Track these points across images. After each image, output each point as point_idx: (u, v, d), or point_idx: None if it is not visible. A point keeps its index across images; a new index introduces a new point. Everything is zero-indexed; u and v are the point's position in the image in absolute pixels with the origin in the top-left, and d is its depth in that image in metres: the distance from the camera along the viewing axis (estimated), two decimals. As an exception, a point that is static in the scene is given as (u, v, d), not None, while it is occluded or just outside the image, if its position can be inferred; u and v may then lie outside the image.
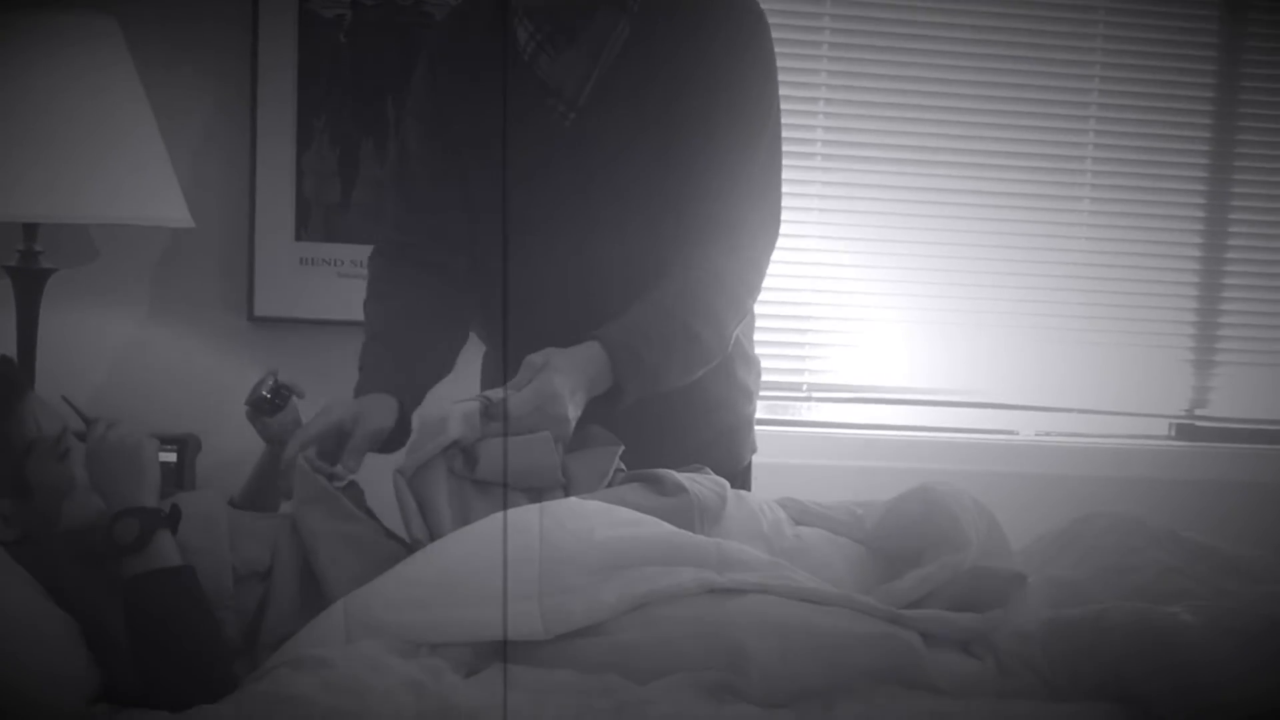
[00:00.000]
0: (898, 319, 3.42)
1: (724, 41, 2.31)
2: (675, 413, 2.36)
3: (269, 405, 2.37)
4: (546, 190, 2.34)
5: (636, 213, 2.32)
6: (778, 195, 2.37)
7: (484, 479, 2.05)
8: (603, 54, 2.30)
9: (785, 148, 2.40)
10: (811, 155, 3.37)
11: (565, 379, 2.09)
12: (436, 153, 2.43)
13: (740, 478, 2.45)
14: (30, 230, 2.73)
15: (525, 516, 1.88)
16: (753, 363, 2.53)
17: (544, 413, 2.07)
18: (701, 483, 2.11)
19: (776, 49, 2.37)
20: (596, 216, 2.33)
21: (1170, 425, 3.58)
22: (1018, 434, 3.53)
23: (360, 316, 3.02)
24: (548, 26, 2.29)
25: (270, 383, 2.35)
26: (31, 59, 2.62)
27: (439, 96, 2.41)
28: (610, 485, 2.14)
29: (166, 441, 2.69)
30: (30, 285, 2.75)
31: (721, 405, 2.45)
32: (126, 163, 2.68)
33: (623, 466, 2.19)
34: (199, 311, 3.08)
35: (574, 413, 2.11)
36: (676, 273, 2.27)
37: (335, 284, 3.06)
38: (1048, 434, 3.54)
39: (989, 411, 3.49)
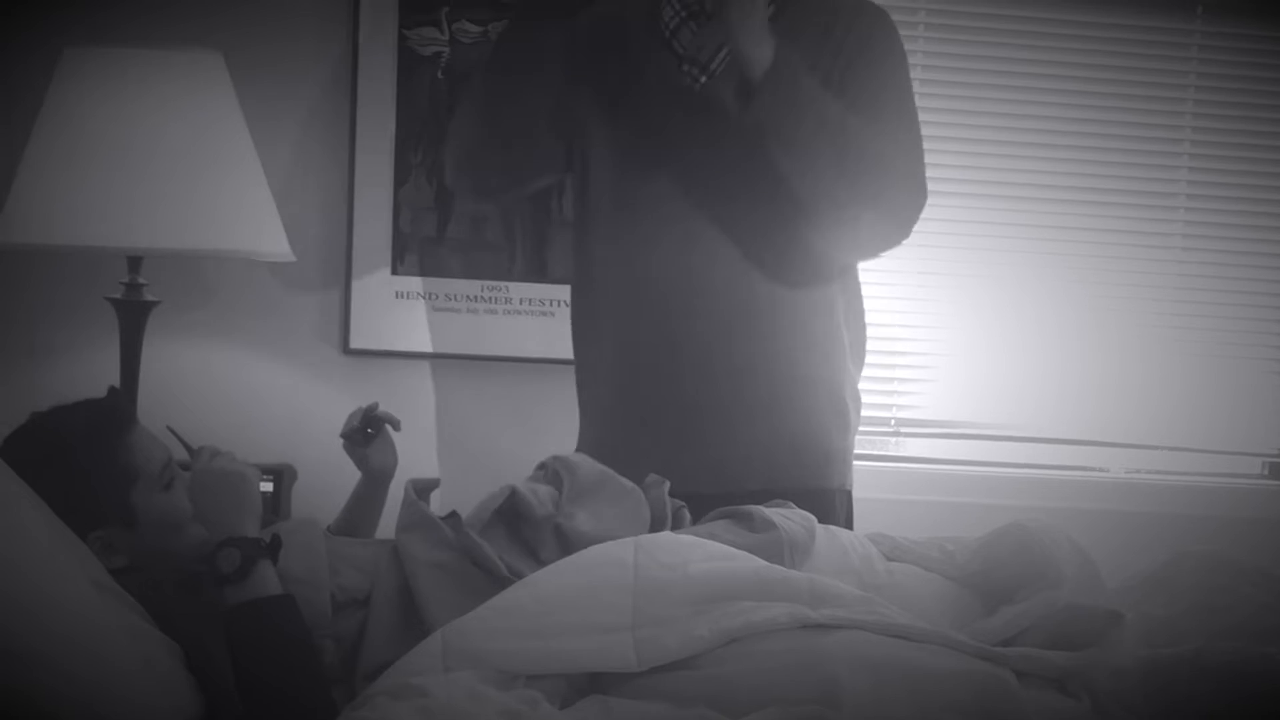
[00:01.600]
0: (987, 354, 3.41)
1: (857, 36, 2.43)
2: (760, 408, 2.42)
3: (365, 436, 2.41)
4: (666, 149, 2.44)
5: (752, 183, 2.38)
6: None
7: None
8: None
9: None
10: (901, 190, 3.36)
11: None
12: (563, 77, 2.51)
13: (824, 500, 2.44)
14: (134, 263, 2.79)
15: (620, 550, 1.90)
16: (857, 396, 2.56)
17: None
18: (791, 518, 2.12)
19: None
20: (712, 181, 2.42)
21: (1264, 464, 3.53)
22: (1108, 471, 3.50)
23: (454, 350, 3.10)
24: (693, 4, 2.44)
25: (368, 414, 2.39)
26: (141, 93, 2.68)
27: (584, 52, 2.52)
28: (671, 521, 2.17)
29: (264, 472, 2.74)
30: (134, 317, 2.80)
31: (809, 414, 2.47)
32: (230, 196, 2.73)
33: (683, 505, 2.21)
34: (296, 343, 3.12)
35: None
36: None
37: (430, 318, 3.10)
38: (1138, 471, 3.50)
39: (1079, 448, 3.46)
